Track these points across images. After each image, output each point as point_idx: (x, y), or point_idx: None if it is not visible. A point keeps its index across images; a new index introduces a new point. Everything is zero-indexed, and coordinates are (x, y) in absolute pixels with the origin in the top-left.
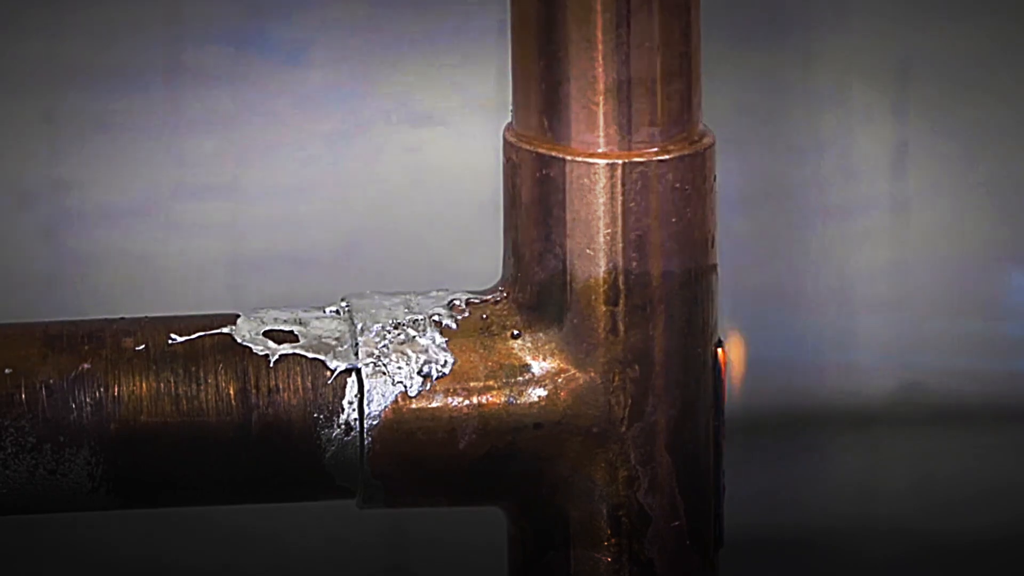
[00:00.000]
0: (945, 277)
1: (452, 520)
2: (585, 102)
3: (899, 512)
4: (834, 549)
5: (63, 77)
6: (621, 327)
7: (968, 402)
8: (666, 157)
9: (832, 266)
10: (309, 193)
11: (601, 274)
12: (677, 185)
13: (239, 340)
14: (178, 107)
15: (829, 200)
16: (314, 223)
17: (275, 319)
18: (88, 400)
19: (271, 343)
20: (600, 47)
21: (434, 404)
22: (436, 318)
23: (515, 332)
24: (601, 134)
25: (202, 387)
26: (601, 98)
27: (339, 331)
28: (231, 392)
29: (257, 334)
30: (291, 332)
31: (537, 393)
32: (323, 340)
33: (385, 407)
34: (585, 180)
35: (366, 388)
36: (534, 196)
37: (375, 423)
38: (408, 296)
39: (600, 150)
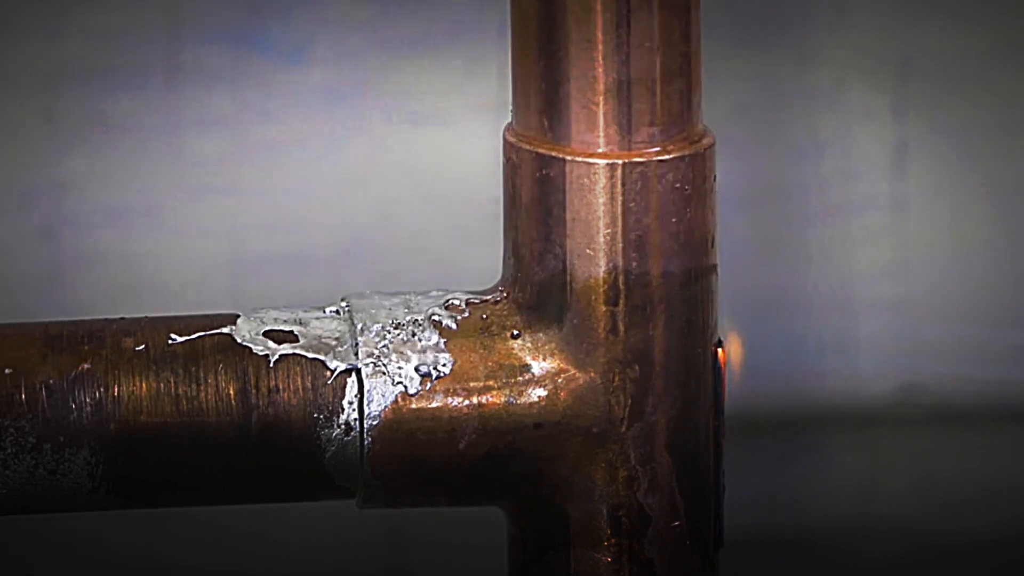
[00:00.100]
0: (945, 277)
1: (452, 520)
2: (585, 102)
3: (899, 512)
4: (834, 549)
5: (63, 77)
6: (621, 327)
7: (968, 402)
8: (666, 157)
9: (832, 266)
10: (309, 193)
11: (601, 274)
12: (677, 185)
13: (239, 340)
14: (178, 107)
15: (829, 200)
16: (314, 223)
17: (275, 319)
18: (88, 400)
19: (271, 343)
20: (600, 47)
21: (434, 404)
22: (436, 318)
23: (515, 332)
24: (601, 134)
25: (202, 387)
26: (601, 98)
27: (339, 331)
28: (231, 392)
29: (257, 334)
30: (291, 332)
31: (537, 393)
32: (323, 340)
33: (385, 407)
34: (585, 180)
35: (366, 388)
36: (534, 196)
37: (375, 423)
38: (408, 296)
39: (600, 150)
